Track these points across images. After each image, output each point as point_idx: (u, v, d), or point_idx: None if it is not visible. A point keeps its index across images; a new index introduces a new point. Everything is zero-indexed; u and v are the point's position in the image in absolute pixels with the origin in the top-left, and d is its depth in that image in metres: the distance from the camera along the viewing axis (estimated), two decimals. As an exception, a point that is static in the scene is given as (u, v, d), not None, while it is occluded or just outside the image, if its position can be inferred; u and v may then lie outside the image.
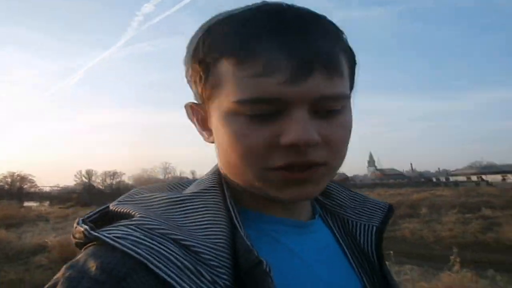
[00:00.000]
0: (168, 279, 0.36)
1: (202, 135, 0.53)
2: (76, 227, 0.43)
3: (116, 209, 0.46)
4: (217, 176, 0.51)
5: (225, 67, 0.43)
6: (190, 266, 0.38)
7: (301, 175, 0.44)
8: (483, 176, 63.91)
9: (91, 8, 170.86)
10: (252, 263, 0.39)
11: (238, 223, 0.44)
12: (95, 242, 0.40)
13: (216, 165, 0.54)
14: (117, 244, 0.37)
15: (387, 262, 0.59)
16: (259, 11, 0.44)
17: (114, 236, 0.38)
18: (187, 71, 0.50)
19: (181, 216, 0.43)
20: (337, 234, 0.57)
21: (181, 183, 0.55)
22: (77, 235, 0.43)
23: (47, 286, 0.37)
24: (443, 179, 69.87)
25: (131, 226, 0.40)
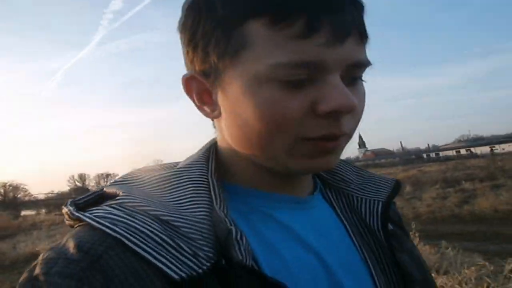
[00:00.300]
0: (145, 254, 0.36)
1: (202, 110, 0.48)
2: (63, 209, 0.44)
3: (108, 190, 0.46)
4: (206, 151, 0.50)
5: (255, 28, 0.40)
6: (169, 241, 0.37)
7: (332, 144, 0.43)
8: (472, 149, 65.06)
9: (59, 9, 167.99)
10: (224, 232, 0.39)
11: (215, 195, 0.43)
12: (81, 223, 0.41)
13: (209, 142, 0.53)
14: (96, 223, 0.38)
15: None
16: None
17: (94, 216, 0.39)
18: (189, 37, 0.45)
19: (166, 192, 0.43)
20: (338, 209, 0.56)
21: (177, 162, 0.53)
22: (65, 216, 0.44)
23: (28, 269, 0.38)
24: (433, 155, 70.88)
25: (114, 205, 0.40)
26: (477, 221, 8.02)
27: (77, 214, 0.40)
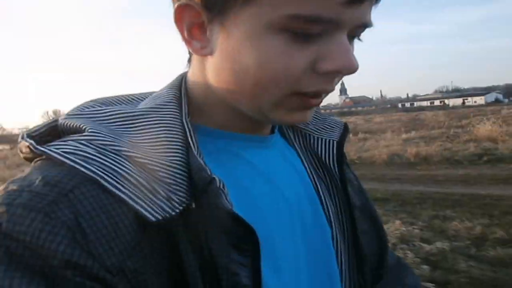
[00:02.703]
0: (122, 195, 0.35)
1: (190, 44, 0.45)
2: (20, 142, 0.42)
3: (65, 123, 0.43)
4: (177, 90, 0.48)
5: None
6: (145, 183, 0.37)
7: (317, 101, 0.44)
8: (446, 101, 66.40)
9: None
10: (205, 181, 0.38)
11: (192, 141, 0.42)
12: (43, 157, 0.39)
13: (178, 79, 0.51)
14: (66, 160, 0.36)
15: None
16: None
17: (62, 151, 0.37)
18: None
19: (135, 132, 0.42)
20: (297, 147, 0.59)
21: (137, 96, 0.52)
22: (23, 150, 0.41)
23: None
24: (408, 104, 72.08)
25: (82, 141, 0.38)
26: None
27: (42, 148, 0.38)
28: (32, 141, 0.39)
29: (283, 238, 0.48)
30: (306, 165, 0.58)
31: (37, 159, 0.40)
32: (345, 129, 0.63)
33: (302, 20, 0.37)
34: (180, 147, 0.41)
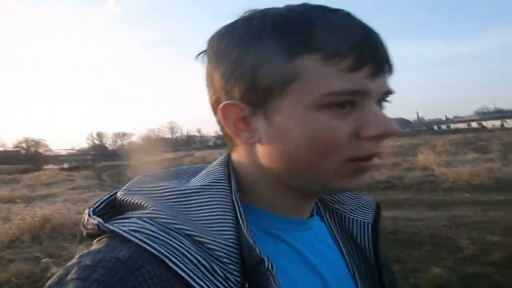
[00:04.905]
0: (185, 276, 0.37)
1: (239, 136, 0.49)
2: (88, 219, 0.44)
3: (125, 199, 0.46)
4: (225, 168, 0.51)
5: (308, 62, 0.44)
6: (205, 263, 0.39)
7: (371, 163, 0.47)
8: (483, 123, 64.12)
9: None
10: (255, 260, 0.40)
11: (242, 219, 0.44)
12: (108, 234, 0.41)
13: (224, 158, 0.53)
14: (133, 238, 0.38)
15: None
16: (327, 11, 0.46)
17: (129, 229, 0.39)
18: (232, 68, 0.47)
19: (191, 209, 0.44)
20: (333, 228, 0.60)
21: (186, 170, 0.55)
22: (89, 227, 0.44)
23: (58, 274, 0.37)
24: (445, 127, 70.22)
25: (145, 219, 0.41)
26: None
27: (111, 227, 0.40)
28: (100, 220, 0.42)
29: None
30: (342, 247, 0.59)
31: (103, 236, 0.42)
32: (378, 209, 0.64)
33: (338, 95, 0.43)
34: (233, 226, 0.44)
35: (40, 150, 64.56)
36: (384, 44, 0.47)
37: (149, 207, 0.43)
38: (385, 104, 0.49)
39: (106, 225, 0.41)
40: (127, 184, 0.50)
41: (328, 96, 0.43)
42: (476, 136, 24.00)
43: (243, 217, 0.45)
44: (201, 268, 0.39)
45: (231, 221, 0.44)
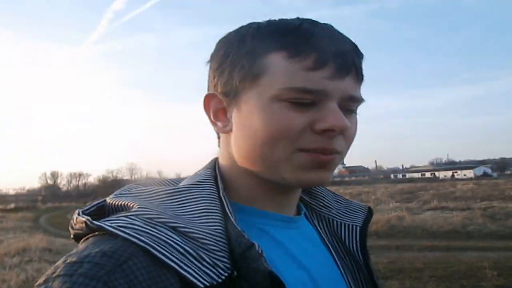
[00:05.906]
0: (172, 264, 0.39)
1: (215, 125, 0.55)
2: (76, 218, 0.46)
3: (113, 202, 0.49)
4: (212, 170, 0.55)
5: (275, 59, 0.48)
6: (191, 251, 0.41)
7: (326, 157, 0.48)
8: (436, 173, 67.63)
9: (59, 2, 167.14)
10: (244, 246, 0.42)
11: (229, 211, 0.47)
12: (96, 233, 0.43)
13: (212, 161, 0.58)
14: (120, 233, 0.40)
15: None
16: (302, 20, 0.50)
17: (116, 225, 0.41)
18: (218, 64, 0.53)
19: (178, 206, 0.47)
20: (321, 233, 0.62)
21: (174, 180, 0.57)
22: (77, 226, 0.46)
23: (46, 273, 0.38)
24: (400, 176, 73.15)
25: (131, 216, 0.43)
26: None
27: (98, 223, 0.42)
28: (88, 217, 0.44)
29: None
30: (332, 250, 0.60)
31: (89, 235, 0.44)
32: (369, 213, 0.66)
33: (296, 91, 0.47)
34: (219, 217, 0.46)
35: (-14, 189, 60.48)
36: (353, 51, 0.50)
37: (136, 206, 0.46)
38: (351, 111, 0.52)
39: (94, 221, 0.43)
40: (117, 190, 0.53)
41: (288, 91, 0.47)
42: (421, 186, 25.67)
43: (230, 209, 0.48)
44: (188, 256, 0.40)
45: (218, 213, 0.47)
